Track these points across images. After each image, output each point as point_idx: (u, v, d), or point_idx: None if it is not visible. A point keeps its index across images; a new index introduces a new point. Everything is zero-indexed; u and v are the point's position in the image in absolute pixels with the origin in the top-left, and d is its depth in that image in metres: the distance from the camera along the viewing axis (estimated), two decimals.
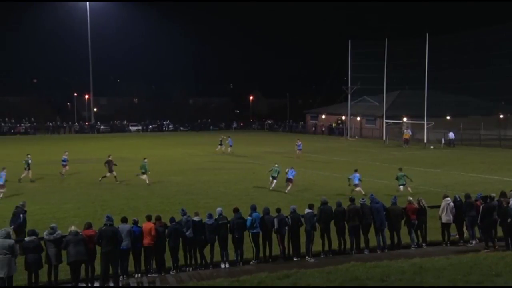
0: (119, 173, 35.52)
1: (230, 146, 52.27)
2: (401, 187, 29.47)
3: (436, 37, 65.43)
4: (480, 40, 71.49)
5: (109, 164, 33.90)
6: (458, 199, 19.47)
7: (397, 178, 29.89)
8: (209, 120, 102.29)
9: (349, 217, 18.42)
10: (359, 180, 29.58)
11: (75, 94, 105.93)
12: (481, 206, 18.76)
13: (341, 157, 48.58)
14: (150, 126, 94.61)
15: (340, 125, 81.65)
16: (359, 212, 18.49)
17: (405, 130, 66.16)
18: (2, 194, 28.38)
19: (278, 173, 30.95)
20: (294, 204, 19.41)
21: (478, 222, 18.81)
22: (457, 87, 75.29)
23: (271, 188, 30.71)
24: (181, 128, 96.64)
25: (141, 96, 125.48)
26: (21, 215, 18.60)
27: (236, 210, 17.61)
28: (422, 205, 19.26)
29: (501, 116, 74.19)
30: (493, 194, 19.97)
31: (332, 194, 28.73)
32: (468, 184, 33.05)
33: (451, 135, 61.99)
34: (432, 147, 58.95)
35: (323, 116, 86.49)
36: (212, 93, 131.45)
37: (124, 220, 16.37)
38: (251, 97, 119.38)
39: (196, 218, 17.14)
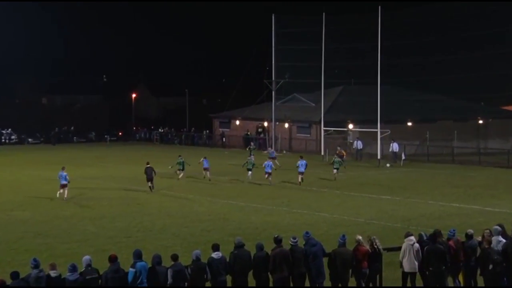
0: None
1: (273, 158, 56.49)
2: (335, 170, 48.08)
3: (393, 11, 67.35)
4: (454, 16, 73.88)
5: (148, 171, 42.93)
6: (426, 238, 19.94)
7: (332, 163, 48.59)
8: (72, 128, 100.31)
9: (274, 265, 18.47)
10: (306, 167, 46.40)
11: None
12: (425, 249, 19.40)
13: (261, 180, 48.74)
14: None
15: (262, 135, 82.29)
16: (288, 258, 18.59)
17: (351, 141, 67.42)
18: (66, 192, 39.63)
19: (253, 165, 47.73)
20: (198, 249, 19.27)
21: (424, 270, 19.36)
22: (422, 81, 77.62)
23: (248, 181, 46.87)
24: (30, 140, 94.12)
25: None
26: None
27: (112, 259, 17.34)
28: (375, 247, 19.55)
29: (480, 121, 76.98)
30: (470, 231, 20.61)
31: (251, 233, 28.85)
32: (438, 217, 34.08)
33: (395, 146, 63.01)
34: (388, 165, 60.42)
35: (237, 122, 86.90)
36: (76, 89, 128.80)
37: None
38: (134, 95, 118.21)
39: (52, 273, 16.69)
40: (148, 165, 43.40)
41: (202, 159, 50.18)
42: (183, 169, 48.96)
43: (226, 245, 21.27)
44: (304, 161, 46.88)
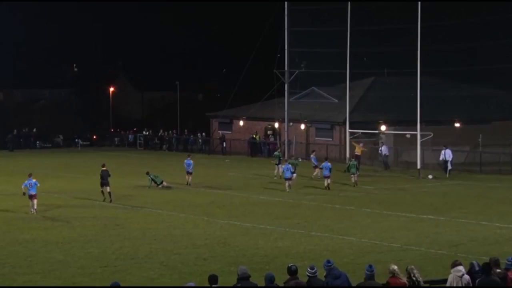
0: None
1: (316, 166, 57.91)
2: (353, 176, 52.84)
3: None
4: None
5: (104, 175, 45.89)
6: (478, 268, 19.91)
7: (348, 167, 53.93)
8: (34, 130, 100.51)
9: None
10: (330, 171, 50.98)
11: None
12: (477, 282, 19.31)
13: (271, 195, 48.84)
14: None
15: (271, 138, 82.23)
16: None
17: (381, 145, 67.26)
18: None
19: (296, 166, 53.15)
20: (191, 281, 19.28)
21: None
22: (472, 72, 77.40)
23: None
24: None
25: None
26: None
27: None
28: (414, 279, 19.47)
29: None
30: None
31: (258, 262, 28.91)
32: (494, 242, 33.94)
33: (448, 154, 62.26)
34: (430, 176, 60.30)
35: (241, 123, 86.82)
36: (40, 82, 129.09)
37: None
38: (111, 89, 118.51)
39: None
40: (104, 168, 46.52)
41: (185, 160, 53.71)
42: (161, 183, 52.37)
43: (227, 276, 21.32)
44: (329, 164, 51.92)
